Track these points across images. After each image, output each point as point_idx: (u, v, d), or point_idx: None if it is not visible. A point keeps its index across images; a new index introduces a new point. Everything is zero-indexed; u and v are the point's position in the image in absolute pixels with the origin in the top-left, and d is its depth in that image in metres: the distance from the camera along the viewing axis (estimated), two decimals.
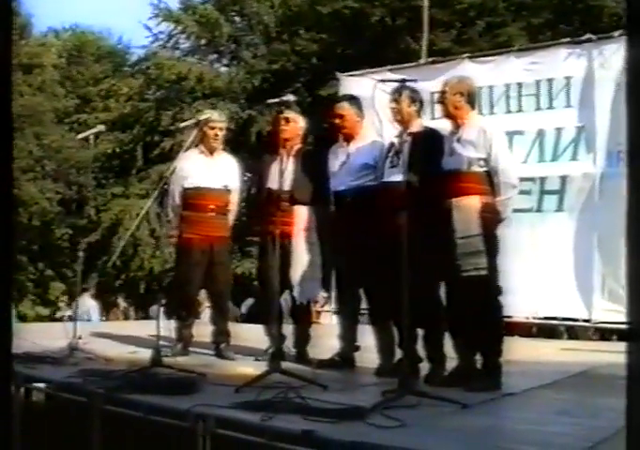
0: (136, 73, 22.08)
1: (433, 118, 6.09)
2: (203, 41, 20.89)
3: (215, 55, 21.49)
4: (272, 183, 5.24)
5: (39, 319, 18.11)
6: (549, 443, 2.99)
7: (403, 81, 3.89)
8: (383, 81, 4.54)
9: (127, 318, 17.22)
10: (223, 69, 21.10)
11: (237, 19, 21.00)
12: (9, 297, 1.53)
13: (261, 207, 5.50)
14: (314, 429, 3.00)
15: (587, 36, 6.94)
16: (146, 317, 14.32)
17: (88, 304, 13.59)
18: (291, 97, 4.71)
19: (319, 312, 8.31)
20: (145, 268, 18.90)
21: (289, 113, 5.35)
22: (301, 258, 5.19)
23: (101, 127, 6.29)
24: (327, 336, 5.63)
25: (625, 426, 1.61)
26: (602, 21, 10.93)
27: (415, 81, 4.26)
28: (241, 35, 20.15)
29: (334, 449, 2.89)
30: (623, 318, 6.62)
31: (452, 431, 3.19)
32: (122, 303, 18.54)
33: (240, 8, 20.39)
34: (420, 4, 12.15)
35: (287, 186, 5.02)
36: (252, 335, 5.97)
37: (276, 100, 4.70)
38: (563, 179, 7.05)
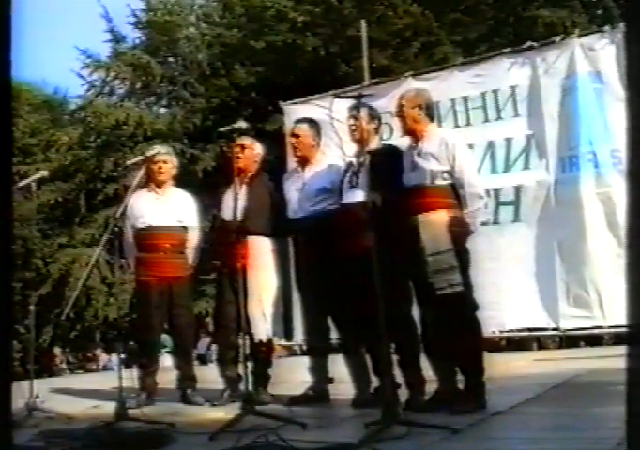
0: (75, 122, 21.72)
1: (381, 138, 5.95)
2: (138, 85, 20.69)
3: (153, 98, 21.29)
4: (226, 214, 5.01)
5: None
6: None
7: (360, 96, 3.74)
8: (341, 96, 4.39)
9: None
10: (163, 110, 20.87)
11: (171, 59, 20.85)
12: (10, 298, 1.48)
13: (217, 241, 5.27)
14: None
15: (529, 43, 6.91)
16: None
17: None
18: (243, 124, 4.43)
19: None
20: (100, 317, 18.43)
21: (244, 140, 5.14)
22: (258, 292, 4.88)
23: (44, 173, 5.97)
24: (289, 369, 5.39)
25: (625, 431, 1.46)
26: (537, 31, 11.04)
27: (372, 95, 4.12)
28: (176, 75, 20.00)
29: None
30: (590, 323, 6.53)
31: None
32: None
33: (169, 48, 20.28)
34: (353, 32, 12.16)
35: (241, 216, 4.73)
36: (215, 376, 5.67)
37: (228, 128, 4.42)
38: (517, 189, 6.95)
